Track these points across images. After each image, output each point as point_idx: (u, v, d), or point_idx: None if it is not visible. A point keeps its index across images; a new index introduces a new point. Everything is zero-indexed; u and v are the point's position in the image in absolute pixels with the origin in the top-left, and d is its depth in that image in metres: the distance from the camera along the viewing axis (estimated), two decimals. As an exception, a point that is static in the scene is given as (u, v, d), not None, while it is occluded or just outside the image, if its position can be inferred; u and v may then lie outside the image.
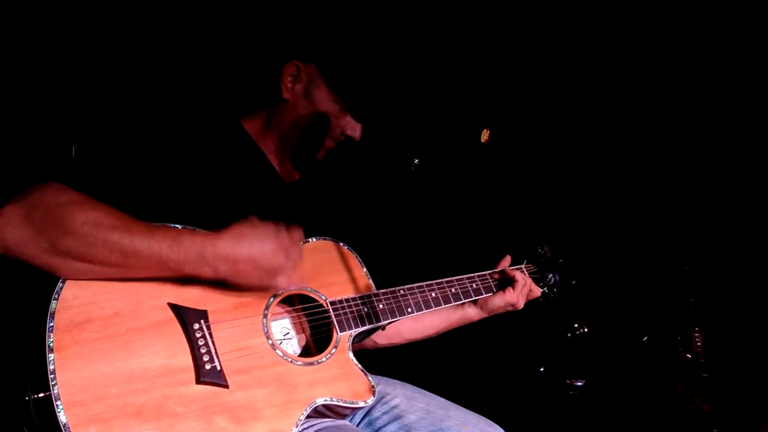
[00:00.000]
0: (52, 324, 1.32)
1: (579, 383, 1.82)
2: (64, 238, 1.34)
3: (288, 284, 1.60)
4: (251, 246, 1.49)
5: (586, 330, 1.81)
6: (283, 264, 1.54)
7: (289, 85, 1.86)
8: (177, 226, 1.56)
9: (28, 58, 2.35)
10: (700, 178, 3.11)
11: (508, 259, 2.22)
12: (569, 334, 1.83)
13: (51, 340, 1.30)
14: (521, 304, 2.12)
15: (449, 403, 1.92)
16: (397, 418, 1.81)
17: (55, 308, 1.34)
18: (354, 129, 1.90)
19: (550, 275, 2.12)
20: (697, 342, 3.00)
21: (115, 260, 1.38)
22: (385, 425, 1.81)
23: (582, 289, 2.04)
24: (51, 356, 1.29)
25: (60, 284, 1.37)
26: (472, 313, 2.14)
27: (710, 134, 3.11)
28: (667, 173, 3.17)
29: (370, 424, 1.84)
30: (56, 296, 1.36)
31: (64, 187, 1.44)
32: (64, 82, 2.41)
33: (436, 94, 2.93)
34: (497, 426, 1.85)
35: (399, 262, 2.19)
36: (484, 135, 1.79)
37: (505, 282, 2.12)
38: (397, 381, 2.01)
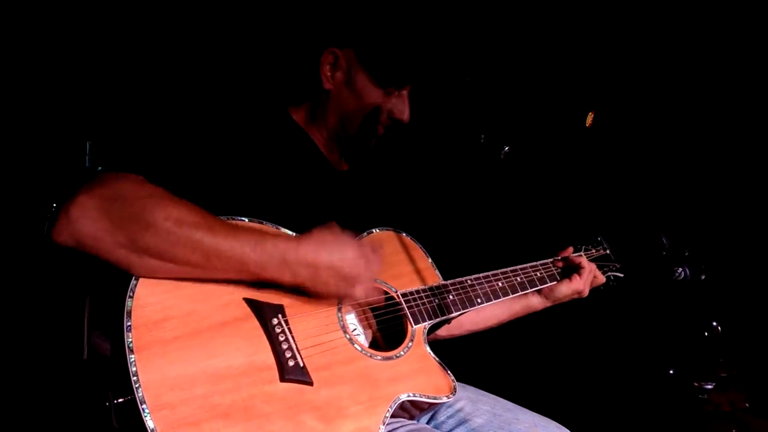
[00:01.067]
0: (129, 323, 1.23)
1: (708, 386, 1.72)
2: (145, 234, 1.26)
3: (365, 295, 1.52)
4: (333, 253, 1.42)
5: (719, 329, 1.71)
6: (362, 273, 1.47)
7: (329, 74, 1.76)
8: (243, 219, 1.49)
9: (47, 49, 2.29)
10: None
11: (570, 250, 2.15)
12: (706, 333, 1.71)
13: (130, 339, 1.22)
14: (587, 292, 2.05)
15: (515, 405, 1.83)
16: (463, 422, 1.72)
17: (131, 306, 1.25)
18: (402, 111, 1.78)
19: (680, 269, 1.99)
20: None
21: (196, 260, 1.30)
22: (451, 429, 1.72)
23: (711, 283, 1.91)
24: (132, 357, 1.20)
25: (134, 281, 1.29)
26: (536, 302, 2.06)
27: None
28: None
29: (436, 428, 1.75)
30: (131, 293, 1.27)
31: (143, 179, 1.36)
32: (88, 75, 2.35)
33: (534, 73, 2.76)
34: (566, 430, 1.77)
35: (460, 249, 2.11)
36: (589, 118, 1.69)
37: (569, 270, 2.05)
38: (458, 383, 1.92)
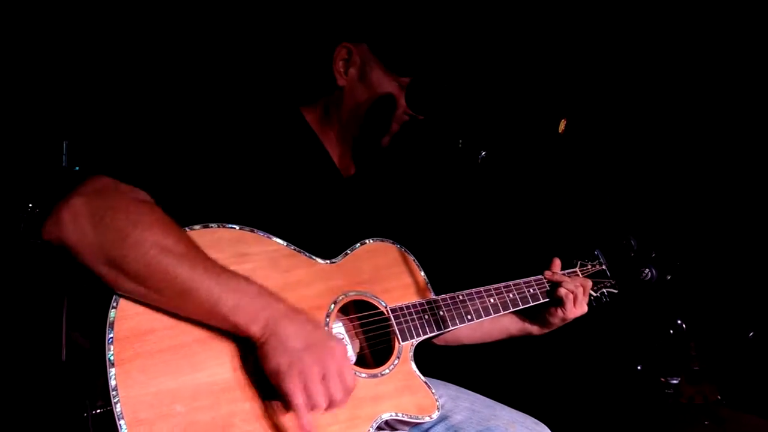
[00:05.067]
0: (111, 335, 1.22)
1: (674, 381, 1.74)
2: (126, 257, 1.23)
3: (299, 404, 1.27)
4: (318, 337, 1.32)
5: (684, 327, 1.71)
6: (327, 365, 1.30)
7: (342, 69, 1.74)
8: (234, 227, 1.47)
9: (28, 46, 2.25)
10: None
11: (557, 263, 2.09)
12: (671, 331, 1.72)
13: (111, 353, 1.21)
14: (580, 312, 2.01)
15: (494, 402, 1.86)
16: (443, 418, 1.74)
17: (114, 317, 1.24)
18: None
19: (647, 270, 2.00)
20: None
21: (171, 292, 1.26)
22: (432, 426, 1.74)
23: (679, 283, 1.92)
24: (112, 371, 1.19)
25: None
26: (534, 330, 2.05)
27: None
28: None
29: (416, 425, 1.76)
30: (115, 304, 1.26)
31: (141, 197, 1.33)
32: (70, 75, 2.30)
33: (507, 78, 2.75)
34: (544, 425, 1.80)
35: (455, 261, 2.09)
36: (561, 125, 1.67)
37: (559, 284, 2.01)
38: (438, 381, 1.94)
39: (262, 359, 1.29)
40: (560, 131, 1.72)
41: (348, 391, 1.32)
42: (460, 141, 1.77)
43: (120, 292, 1.26)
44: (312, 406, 1.27)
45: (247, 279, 1.33)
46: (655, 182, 2.87)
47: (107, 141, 2.11)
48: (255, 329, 1.28)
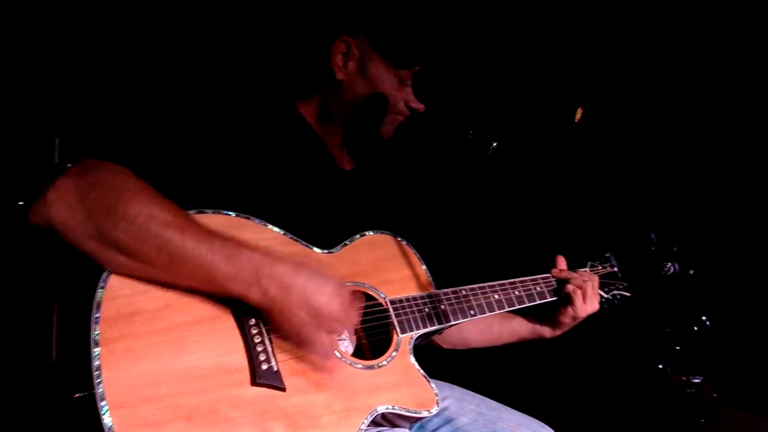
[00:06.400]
0: (98, 315, 1.19)
1: (696, 380, 1.66)
2: (115, 228, 1.21)
3: (325, 351, 1.37)
4: (310, 280, 1.31)
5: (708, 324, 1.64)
6: (334, 313, 1.32)
7: (341, 63, 1.71)
8: (230, 213, 1.45)
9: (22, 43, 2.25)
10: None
11: (562, 260, 2.02)
12: (696, 328, 1.65)
13: (97, 332, 1.18)
14: (591, 309, 1.94)
15: (500, 404, 1.82)
16: (448, 420, 1.69)
17: (101, 297, 1.21)
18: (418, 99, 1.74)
19: (669, 264, 1.93)
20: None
21: (162, 262, 1.24)
22: (437, 428, 1.69)
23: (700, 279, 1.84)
24: (96, 350, 1.16)
25: (106, 271, 1.24)
26: (545, 332, 1.99)
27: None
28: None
29: (422, 427, 1.71)
30: (102, 284, 1.23)
31: (127, 171, 1.31)
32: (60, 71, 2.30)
33: (520, 66, 2.68)
34: (549, 428, 1.76)
35: (458, 257, 2.04)
36: (578, 114, 1.62)
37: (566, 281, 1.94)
38: (444, 383, 1.88)
39: (275, 322, 1.31)
40: (576, 120, 1.66)
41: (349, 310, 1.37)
42: (471, 132, 1.73)
43: (111, 268, 1.24)
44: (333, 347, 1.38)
45: (238, 242, 1.30)
46: (675, 174, 2.77)
47: (99, 133, 2.10)
48: (254, 296, 1.27)
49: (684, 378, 1.83)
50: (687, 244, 1.91)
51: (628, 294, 2.21)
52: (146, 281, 1.27)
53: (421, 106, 1.75)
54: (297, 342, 1.34)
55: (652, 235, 1.99)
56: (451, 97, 1.74)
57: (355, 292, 1.56)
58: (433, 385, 1.56)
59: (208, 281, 1.27)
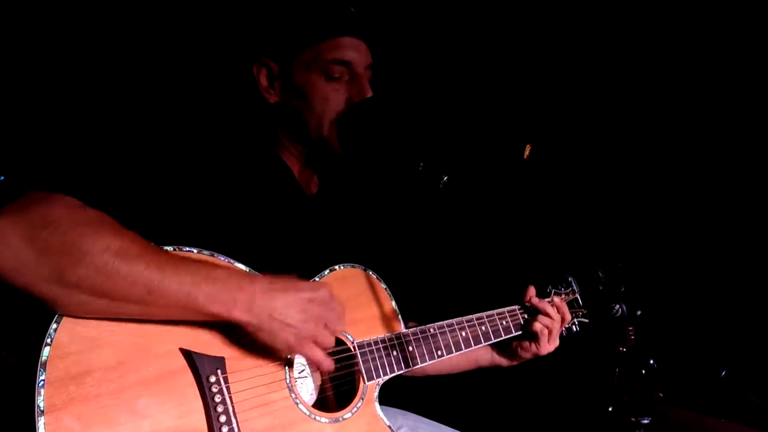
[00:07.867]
0: (43, 378, 1.08)
1: (645, 421, 1.67)
2: (77, 267, 1.10)
3: (319, 356, 1.35)
4: (291, 283, 1.33)
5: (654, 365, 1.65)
6: (326, 298, 1.35)
7: (266, 85, 1.62)
8: (192, 250, 1.34)
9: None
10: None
11: (532, 290, 2.00)
12: (643, 371, 1.66)
13: (42, 398, 1.07)
14: (553, 348, 1.94)
15: (453, 430, 1.83)
16: None
17: (47, 357, 1.10)
18: (362, 90, 1.62)
19: (617, 305, 1.92)
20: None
21: (137, 295, 1.15)
22: None
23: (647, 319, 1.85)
24: (41, 420, 1.05)
25: (54, 324, 1.13)
26: (503, 362, 1.97)
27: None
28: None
29: None
30: (49, 340, 1.11)
31: (77, 202, 1.18)
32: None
33: (471, 101, 2.66)
34: None
35: (423, 284, 1.99)
36: (527, 150, 1.59)
37: (534, 317, 1.92)
38: (397, 410, 1.89)
39: (264, 341, 1.28)
40: (525, 157, 1.63)
41: (343, 316, 1.39)
42: (421, 164, 1.66)
43: (70, 311, 1.13)
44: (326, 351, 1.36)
45: (213, 264, 1.28)
46: (623, 209, 2.82)
47: (40, 162, 1.90)
48: (238, 314, 1.23)
49: (633, 419, 1.85)
50: (633, 281, 1.92)
51: (586, 321, 2.22)
52: (99, 330, 1.17)
53: (366, 93, 1.62)
54: (293, 344, 1.30)
55: (600, 274, 1.99)
56: (402, 128, 1.65)
57: None
58: (397, 436, 1.52)
59: (187, 306, 1.19)
